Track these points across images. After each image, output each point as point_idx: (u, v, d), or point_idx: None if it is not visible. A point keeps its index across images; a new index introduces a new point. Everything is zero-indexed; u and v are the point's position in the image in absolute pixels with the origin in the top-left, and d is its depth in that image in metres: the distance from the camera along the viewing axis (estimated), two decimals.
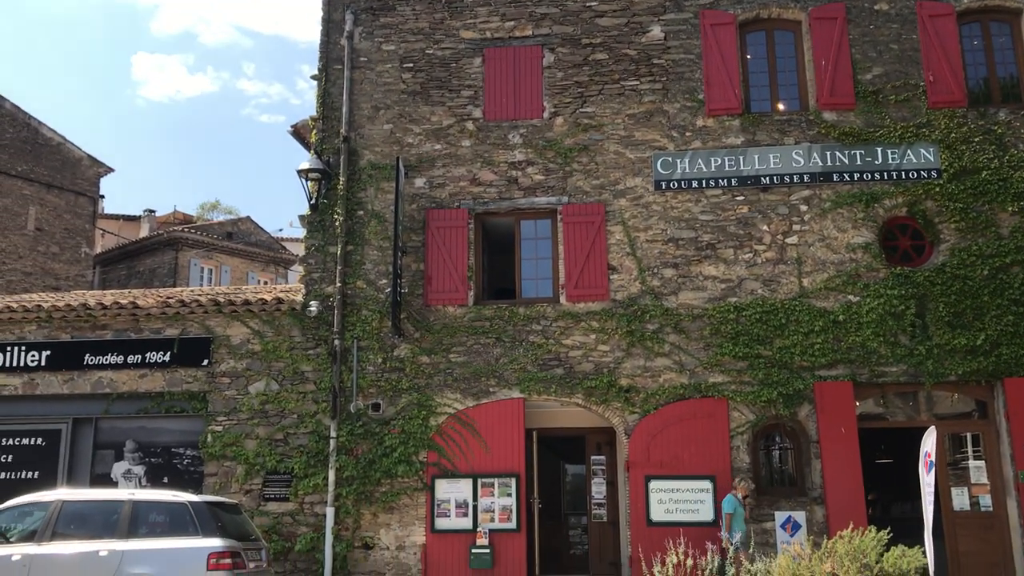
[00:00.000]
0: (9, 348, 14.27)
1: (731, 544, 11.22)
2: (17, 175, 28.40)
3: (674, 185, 13.76)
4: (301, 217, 14.56)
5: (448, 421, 13.24)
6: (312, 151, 14.56)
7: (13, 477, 13.98)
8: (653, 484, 12.71)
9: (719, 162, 13.75)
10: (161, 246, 34.44)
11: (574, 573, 14.65)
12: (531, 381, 13.26)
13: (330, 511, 12.96)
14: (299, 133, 16.83)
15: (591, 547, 14.77)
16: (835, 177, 13.57)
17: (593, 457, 14.77)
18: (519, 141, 14.15)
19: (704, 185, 13.72)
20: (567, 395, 13.25)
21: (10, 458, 14.11)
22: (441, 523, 12.92)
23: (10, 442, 14.16)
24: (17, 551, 10.13)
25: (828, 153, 13.63)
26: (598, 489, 14.56)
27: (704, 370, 13.12)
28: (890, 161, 13.54)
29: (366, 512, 13.08)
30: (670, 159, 13.84)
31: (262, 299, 14.04)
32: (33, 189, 28.72)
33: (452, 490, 12.98)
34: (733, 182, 13.68)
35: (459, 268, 13.77)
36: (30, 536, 10.33)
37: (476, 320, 13.59)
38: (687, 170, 13.78)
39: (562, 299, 13.58)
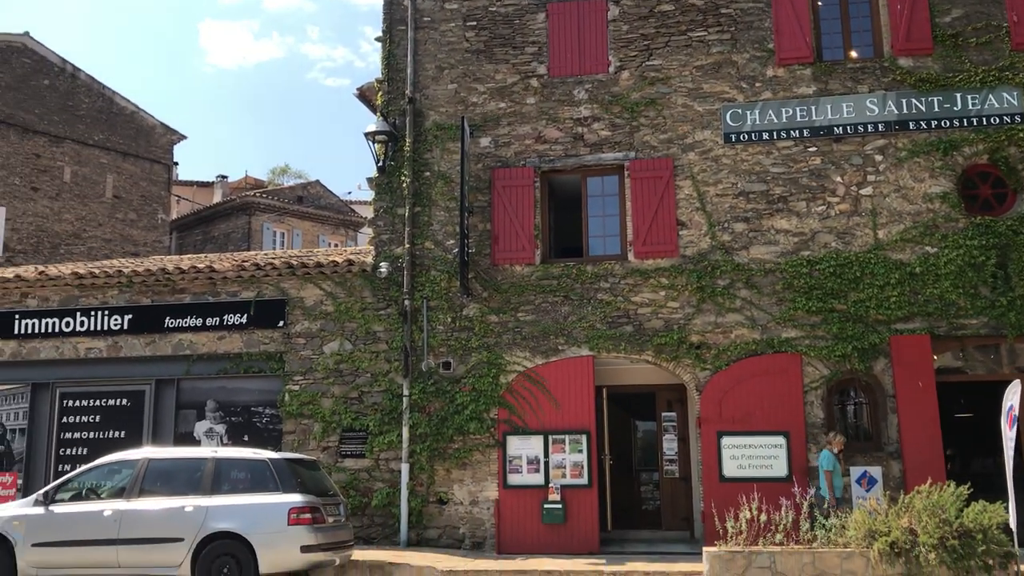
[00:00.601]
0: (93, 312, 14.78)
1: (835, 500, 11.05)
2: (94, 144, 29.21)
3: (744, 137, 13.50)
4: (369, 180, 14.70)
5: (518, 379, 13.33)
6: (378, 113, 14.65)
7: (101, 436, 14.55)
8: (725, 440, 12.65)
9: (790, 113, 13.43)
10: (234, 211, 35.16)
11: (646, 528, 14.72)
12: (600, 339, 13.25)
13: (405, 467, 13.22)
14: (365, 96, 16.92)
15: (663, 502, 14.83)
16: (911, 125, 13.15)
17: (664, 414, 14.74)
18: (584, 97, 14.02)
19: (775, 137, 13.43)
20: (637, 352, 13.22)
21: (98, 418, 14.69)
22: (513, 479, 13.08)
23: (97, 403, 14.72)
24: (108, 507, 10.58)
25: (904, 100, 13.20)
26: (669, 445, 14.56)
27: (777, 325, 12.95)
28: (970, 107, 13.06)
29: (440, 468, 13.31)
30: (740, 111, 13.57)
31: (333, 261, 14.26)
32: (110, 158, 29.51)
33: (523, 447, 13.11)
34: (805, 133, 13.36)
35: (526, 227, 13.77)
36: (119, 492, 10.77)
37: (544, 279, 13.61)
38: (757, 122, 13.49)
39: (630, 256, 13.49)
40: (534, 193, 13.89)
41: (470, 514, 13.16)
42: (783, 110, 13.46)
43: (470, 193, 13.81)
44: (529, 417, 13.19)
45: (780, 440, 12.54)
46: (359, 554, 11.63)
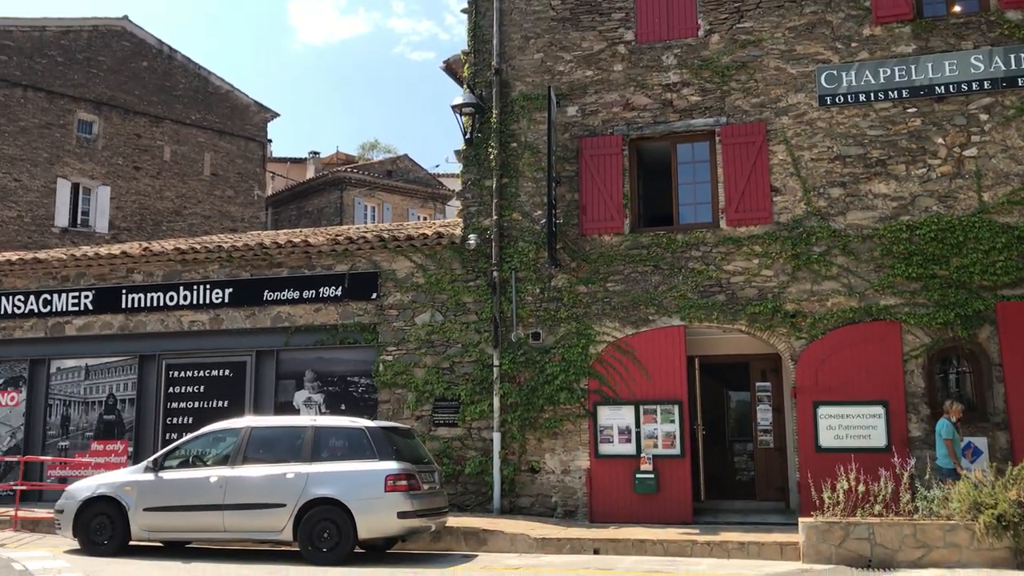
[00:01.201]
0: (196, 286, 15.31)
1: (962, 469, 10.71)
2: (192, 124, 30.09)
3: (840, 99, 13.09)
4: (457, 152, 14.80)
5: (608, 349, 13.31)
6: (465, 86, 14.70)
7: (205, 406, 15.12)
8: (822, 410, 12.41)
9: (888, 73, 12.96)
10: (326, 186, 35.85)
11: (740, 499, 14.58)
12: (691, 308, 13.11)
13: (496, 436, 13.37)
14: (451, 68, 16.99)
15: (757, 473, 14.65)
16: (1020, 82, 12.53)
17: (758, 384, 14.53)
18: (673, 62, 13.78)
19: (872, 98, 12.98)
20: (729, 322, 13.03)
21: (202, 388, 15.25)
22: (604, 448, 13.10)
23: (201, 373, 15.29)
24: (213, 473, 11.01)
25: (1012, 56, 12.59)
26: (764, 415, 14.35)
27: (875, 293, 12.59)
28: None
29: (531, 437, 13.42)
30: (835, 72, 13.15)
31: (423, 234, 14.43)
32: (207, 136, 30.39)
33: (614, 416, 13.11)
34: (904, 93, 12.88)
35: (614, 196, 13.67)
36: (224, 460, 11.18)
37: (633, 248, 13.51)
38: (854, 83, 13.06)
39: (722, 224, 13.28)
40: (622, 161, 13.76)
41: (562, 483, 13.25)
42: (881, 70, 12.99)
43: (557, 163, 13.77)
44: (620, 387, 13.16)
45: (879, 410, 12.24)
46: (453, 521, 11.84)
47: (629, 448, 12.98)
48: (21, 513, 13.43)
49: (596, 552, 10.92)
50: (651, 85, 13.84)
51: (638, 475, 12.77)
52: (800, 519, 10.26)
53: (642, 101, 13.86)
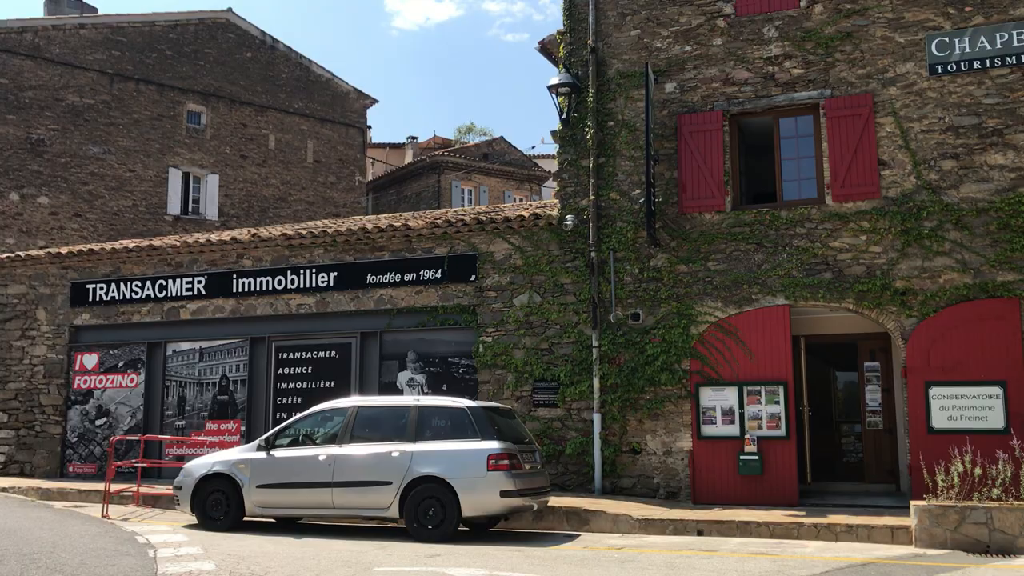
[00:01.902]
0: (302, 271, 15.74)
1: None
2: (295, 112, 30.85)
3: (952, 68, 12.53)
4: (553, 133, 14.76)
5: (709, 330, 13.13)
6: (560, 66, 14.63)
7: (313, 386, 15.56)
8: (934, 390, 11.98)
9: (1005, 38, 12.33)
10: (424, 170, 36.30)
11: (847, 481, 14.24)
12: (796, 287, 12.81)
13: (596, 417, 13.37)
14: (546, 49, 16.94)
15: (866, 455, 14.27)
16: None
17: (866, 364, 14.12)
18: (774, 34, 13.42)
19: (988, 65, 12.38)
20: (836, 300, 12.69)
21: (309, 369, 15.70)
22: (707, 430, 12.95)
23: (309, 355, 15.74)
24: (322, 451, 11.34)
25: None
26: (872, 396, 13.95)
27: (991, 268, 12.06)
28: None
29: (631, 418, 13.37)
30: (946, 39, 12.59)
31: (520, 216, 14.48)
32: (309, 124, 31.11)
33: (717, 398, 12.94)
34: (1023, 59, 12.24)
35: (715, 173, 13.44)
36: (332, 438, 11.50)
37: (735, 226, 13.26)
38: (967, 50, 12.47)
39: (828, 199, 12.91)
40: (723, 138, 13.51)
41: (664, 464, 13.17)
42: (997, 35, 12.37)
43: (655, 141, 13.60)
44: (722, 368, 12.98)
45: (996, 390, 11.75)
46: (555, 500, 11.91)
47: (732, 429, 12.80)
48: (142, 489, 14.11)
49: (700, 533, 10.84)
50: (752, 59, 13.52)
51: (742, 457, 12.59)
52: (912, 502, 9.95)
53: (742, 75, 13.55)
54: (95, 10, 29.74)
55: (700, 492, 12.78)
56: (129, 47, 27.73)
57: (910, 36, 12.77)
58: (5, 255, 18.30)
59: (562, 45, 14.76)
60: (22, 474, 16.91)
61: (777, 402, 12.65)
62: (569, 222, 14.01)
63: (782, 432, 12.58)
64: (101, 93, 27.22)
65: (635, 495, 13.08)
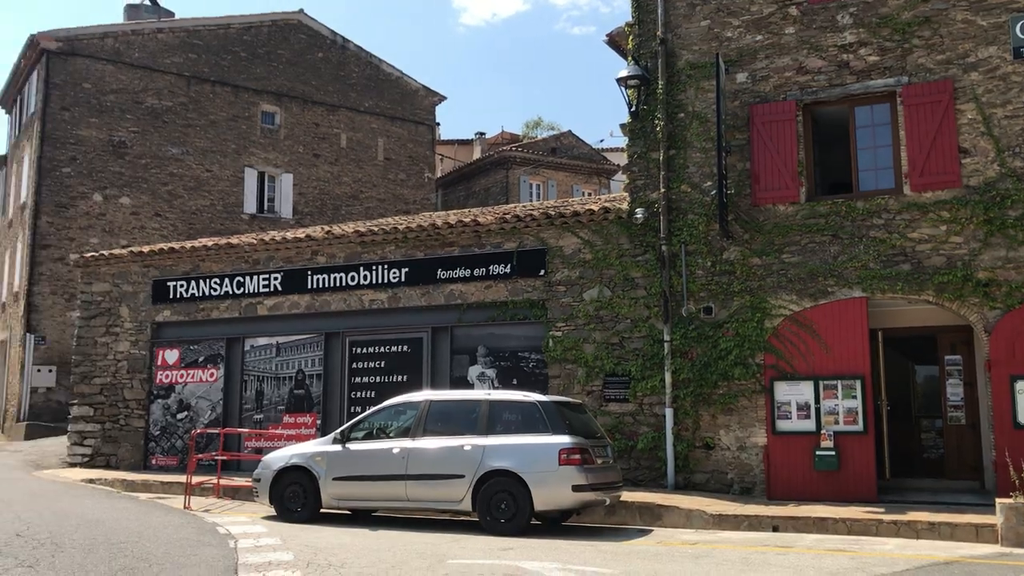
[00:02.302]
0: (374, 267, 15.96)
1: None
2: (365, 111, 31.25)
3: None
4: (622, 126, 14.69)
5: (784, 323, 12.92)
6: (629, 58, 14.54)
7: (386, 380, 15.76)
8: (1020, 384, 11.59)
9: None
10: (492, 166, 36.43)
11: (928, 477, 13.88)
12: (874, 279, 12.52)
13: (669, 412, 13.27)
14: (614, 41, 16.85)
15: (947, 451, 13.88)
16: None
17: (947, 357, 13.73)
18: (849, 21, 13.12)
19: None
20: (915, 292, 12.36)
21: (382, 363, 15.91)
22: (782, 425, 12.75)
23: (381, 349, 15.95)
24: (395, 445, 11.48)
25: None
26: (954, 391, 13.56)
27: None
28: None
29: (704, 413, 13.24)
30: None
31: (590, 210, 14.44)
32: (379, 122, 31.49)
33: (792, 392, 12.73)
34: None
35: (788, 164, 13.20)
36: (405, 432, 11.63)
37: (809, 217, 13.01)
38: None
39: (906, 189, 12.58)
40: (796, 128, 13.26)
41: (738, 459, 13.01)
42: None
43: (727, 132, 13.42)
44: (797, 362, 12.76)
45: None
46: (627, 496, 11.87)
47: (808, 424, 12.58)
48: (222, 481, 14.49)
49: (775, 529, 10.69)
50: (825, 47, 13.24)
51: (818, 452, 12.36)
52: (998, 500, 9.66)
53: (816, 64, 13.28)
54: (172, 14, 30.56)
55: (775, 488, 12.60)
56: (205, 50, 28.42)
57: (993, 19, 12.36)
58: (90, 254, 18.95)
59: (631, 37, 14.66)
60: (108, 466, 17.50)
61: (854, 396, 12.39)
62: (639, 215, 13.92)
63: (859, 427, 12.32)
64: (179, 95, 27.96)
65: (708, 491, 12.95)
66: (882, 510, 10.94)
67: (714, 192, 13.38)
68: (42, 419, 24.82)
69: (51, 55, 26.24)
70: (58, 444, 19.84)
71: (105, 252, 18.97)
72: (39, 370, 25.31)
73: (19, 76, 29.49)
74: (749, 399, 12.99)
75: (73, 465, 17.71)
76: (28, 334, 25.47)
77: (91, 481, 15.66)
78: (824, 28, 13.26)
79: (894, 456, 13.98)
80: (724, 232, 13.16)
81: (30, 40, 26.63)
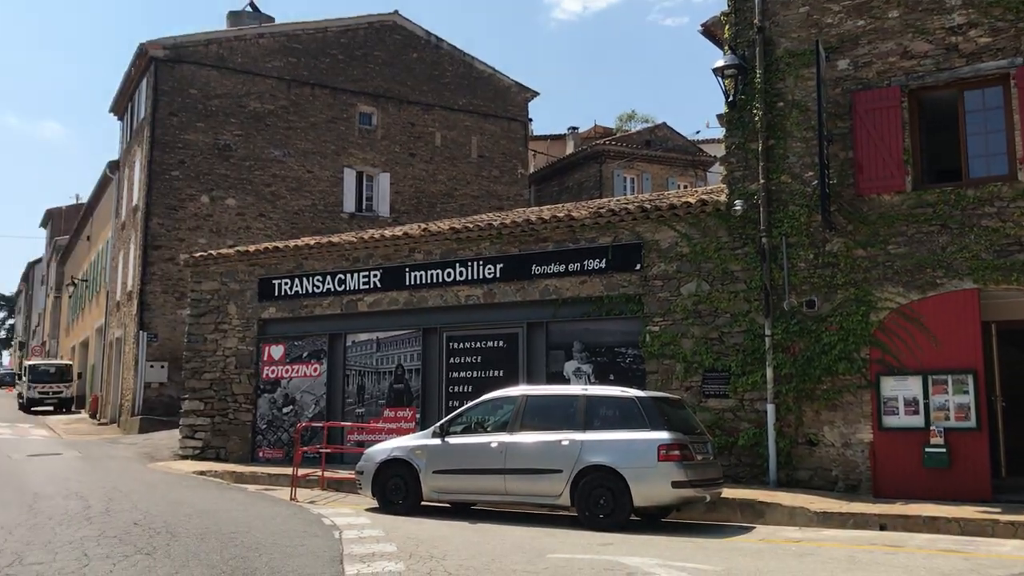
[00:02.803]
0: (470, 263, 16.11)
1: None
2: (459, 109, 31.54)
3: None
4: (719, 116, 14.48)
5: (890, 316, 12.51)
6: (725, 47, 14.30)
7: (482, 375, 15.91)
8: None
9: None
10: (586, 160, 36.33)
11: None
12: (986, 270, 12.01)
13: (770, 408, 13.01)
14: (710, 31, 16.58)
15: None
16: None
17: None
18: (957, 2, 12.60)
19: None
20: None
21: (478, 359, 16.06)
22: (889, 421, 12.36)
23: (477, 345, 16.10)
24: (493, 439, 11.59)
25: None
26: None
27: None
28: None
29: (807, 409, 12.94)
30: None
31: (686, 202, 14.26)
32: (473, 120, 31.74)
33: (899, 387, 12.32)
34: None
35: (893, 152, 12.77)
36: (502, 426, 11.73)
37: (916, 207, 12.57)
38: None
39: (1021, 176, 12.02)
40: (901, 114, 12.82)
41: (842, 456, 12.68)
42: None
43: (828, 120, 13.07)
44: (905, 357, 12.35)
45: None
46: (728, 492, 11.70)
47: (917, 420, 12.16)
48: (326, 474, 14.86)
49: (882, 528, 10.38)
50: (932, 30, 12.75)
51: (927, 449, 11.94)
52: None
53: (922, 48, 12.81)
54: (272, 20, 31.42)
55: (882, 485, 12.23)
56: (304, 53, 29.14)
57: None
58: (199, 254, 19.67)
59: (727, 26, 14.41)
60: (217, 459, 18.14)
61: (966, 392, 11.92)
62: (738, 207, 13.68)
63: (972, 423, 11.85)
64: (280, 99, 28.75)
65: (811, 488, 12.65)
66: (998, 510, 10.51)
67: (816, 182, 13.05)
68: (155, 413, 25.90)
69: (159, 63, 27.31)
70: (170, 437, 20.68)
71: (213, 252, 19.66)
72: (152, 366, 26.43)
73: (130, 84, 30.77)
74: (854, 394, 12.64)
75: (185, 457, 18.42)
76: (141, 331, 26.60)
77: (202, 473, 16.28)
78: (930, 10, 12.77)
79: (1011, 454, 13.38)
80: (827, 223, 12.82)
81: (140, 49, 27.77)
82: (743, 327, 13.52)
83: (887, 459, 12.29)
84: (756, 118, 13.72)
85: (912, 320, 12.34)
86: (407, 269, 16.80)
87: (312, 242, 18.49)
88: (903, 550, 9.02)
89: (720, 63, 13.98)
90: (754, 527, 10.86)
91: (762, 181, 13.52)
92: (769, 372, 13.11)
